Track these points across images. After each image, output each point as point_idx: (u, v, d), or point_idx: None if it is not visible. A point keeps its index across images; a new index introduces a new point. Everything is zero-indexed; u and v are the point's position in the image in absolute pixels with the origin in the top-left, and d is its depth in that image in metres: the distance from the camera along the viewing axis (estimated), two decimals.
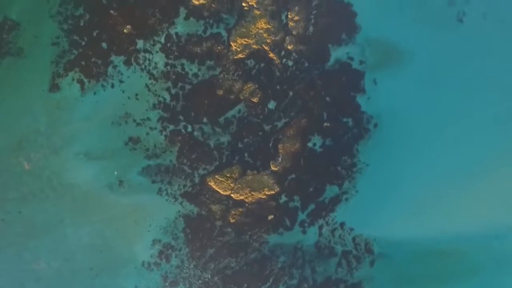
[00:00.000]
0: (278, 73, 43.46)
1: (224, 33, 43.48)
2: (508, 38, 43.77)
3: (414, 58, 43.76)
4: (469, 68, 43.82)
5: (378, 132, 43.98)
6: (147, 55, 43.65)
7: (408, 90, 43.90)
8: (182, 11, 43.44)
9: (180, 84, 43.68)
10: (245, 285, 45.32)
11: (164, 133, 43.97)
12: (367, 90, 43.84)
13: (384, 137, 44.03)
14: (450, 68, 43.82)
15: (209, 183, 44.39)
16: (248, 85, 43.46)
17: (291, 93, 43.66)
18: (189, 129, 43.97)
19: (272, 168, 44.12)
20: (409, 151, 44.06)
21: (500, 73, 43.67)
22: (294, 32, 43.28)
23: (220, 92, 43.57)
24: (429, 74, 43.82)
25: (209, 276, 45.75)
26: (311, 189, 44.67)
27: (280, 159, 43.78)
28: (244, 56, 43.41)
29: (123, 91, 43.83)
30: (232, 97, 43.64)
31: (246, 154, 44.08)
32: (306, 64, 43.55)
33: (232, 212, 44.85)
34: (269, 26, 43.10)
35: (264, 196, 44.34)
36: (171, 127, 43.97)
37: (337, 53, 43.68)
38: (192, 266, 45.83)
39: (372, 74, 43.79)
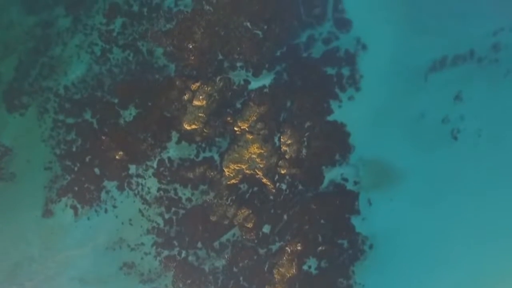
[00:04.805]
0: (272, 197, 41.45)
1: (216, 157, 41.57)
2: (503, 155, 42.77)
3: (409, 177, 41.72)
4: (465, 186, 42.19)
5: (374, 253, 41.68)
6: (140, 180, 42.00)
7: (403, 209, 41.96)
8: (174, 135, 41.61)
9: (173, 209, 41.85)
10: None
11: (158, 258, 42.04)
12: (361, 211, 41.70)
13: (380, 258, 41.93)
14: (445, 187, 41.66)
15: None
16: (242, 211, 41.31)
17: (285, 217, 41.51)
18: (184, 254, 41.95)
19: None
20: (405, 271, 41.88)
21: (496, 191, 42.44)
22: (287, 156, 41.17)
23: (214, 218, 41.67)
24: (424, 193, 41.55)
25: None
26: None
27: (275, 283, 42.97)
28: (237, 181, 41.35)
29: (116, 216, 42.18)
30: (226, 222, 41.71)
31: (241, 278, 41.84)
32: (300, 187, 41.44)
33: None
34: (262, 151, 41.35)
35: None
36: (166, 252, 41.99)
37: (331, 174, 41.68)
38: None
39: (367, 194, 41.68)
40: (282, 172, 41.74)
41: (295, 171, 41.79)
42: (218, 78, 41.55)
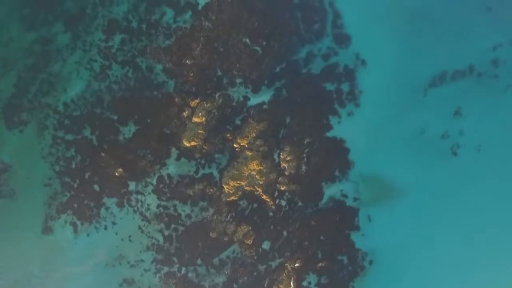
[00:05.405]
0: (271, 214, 41.25)
1: (216, 174, 41.34)
2: (502, 170, 42.64)
3: (408, 193, 41.39)
4: (464, 201, 42.07)
5: (374, 269, 41.53)
6: (139, 197, 41.81)
7: (403, 225, 41.69)
8: (174, 152, 41.47)
9: (173, 225, 41.66)
10: None
11: (158, 274, 41.92)
12: (361, 227, 41.45)
13: (379, 274, 41.55)
14: (444, 202, 41.57)
15: None
16: (242, 227, 41.04)
17: (285, 233, 41.30)
18: (183, 270, 41.77)
19: None
20: (405, 286, 43.11)
21: (496, 206, 42.40)
22: (286, 172, 40.97)
23: (214, 235, 41.43)
24: (424, 209, 41.57)
25: None
26: None
27: None
28: (236, 197, 41.12)
29: (116, 233, 42.09)
30: (225, 239, 41.52)
31: None
32: (300, 204, 41.24)
33: None
34: (261, 167, 40.96)
35: None
36: (165, 268, 41.87)
37: (331, 191, 41.42)
38: None
39: (366, 210, 41.44)
40: (282, 188, 41.62)
41: (295, 188, 41.66)
42: (217, 95, 41.41)
